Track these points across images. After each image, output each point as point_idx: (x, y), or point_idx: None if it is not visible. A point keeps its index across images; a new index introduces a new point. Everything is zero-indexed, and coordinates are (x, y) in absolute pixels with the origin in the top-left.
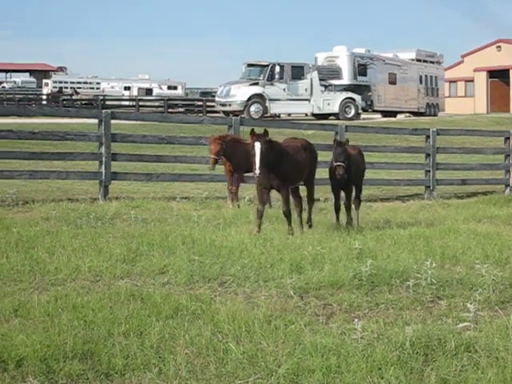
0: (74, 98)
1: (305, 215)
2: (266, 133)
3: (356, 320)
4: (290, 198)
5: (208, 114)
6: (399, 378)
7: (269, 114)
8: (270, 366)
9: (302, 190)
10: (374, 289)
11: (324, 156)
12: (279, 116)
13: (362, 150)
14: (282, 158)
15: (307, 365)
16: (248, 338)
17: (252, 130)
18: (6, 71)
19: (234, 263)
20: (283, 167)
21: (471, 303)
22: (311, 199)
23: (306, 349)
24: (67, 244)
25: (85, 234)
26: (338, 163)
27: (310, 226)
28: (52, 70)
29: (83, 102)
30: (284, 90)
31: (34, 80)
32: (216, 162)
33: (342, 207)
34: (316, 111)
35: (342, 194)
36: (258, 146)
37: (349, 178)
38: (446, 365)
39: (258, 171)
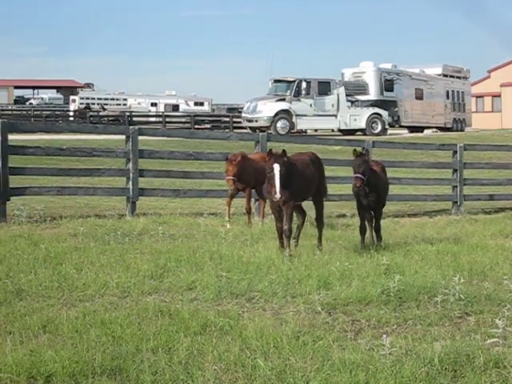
0: (101, 114)
1: (303, 230)
2: (284, 153)
3: (384, 336)
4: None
5: (234, 130)
6: None
7: (295, 130)
8: (299, 382)
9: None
10: (401, 304)
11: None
12: (306, 132)
13: (389, 166)
14: (292, 174)
15: (336, 381)
16: (276, 353)
17: (270, 150)
18: (34, 87)
19: (262, 279)
20: (293, 183)
21: (500, 319)
22: (320, 220)
23: (335, 365)
24: (95, 260)
25: (112, 250)
26: (357, 175)
27: (320, 250)
28: (79, 87)
29: (110, 119)
30: (310, 105)
31: (61, 96)
32: (234, 182)
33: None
34: (343, 127)
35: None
36: (277, 168)
37: (375, 195)
38: (474, 381)
39: (278, 195)
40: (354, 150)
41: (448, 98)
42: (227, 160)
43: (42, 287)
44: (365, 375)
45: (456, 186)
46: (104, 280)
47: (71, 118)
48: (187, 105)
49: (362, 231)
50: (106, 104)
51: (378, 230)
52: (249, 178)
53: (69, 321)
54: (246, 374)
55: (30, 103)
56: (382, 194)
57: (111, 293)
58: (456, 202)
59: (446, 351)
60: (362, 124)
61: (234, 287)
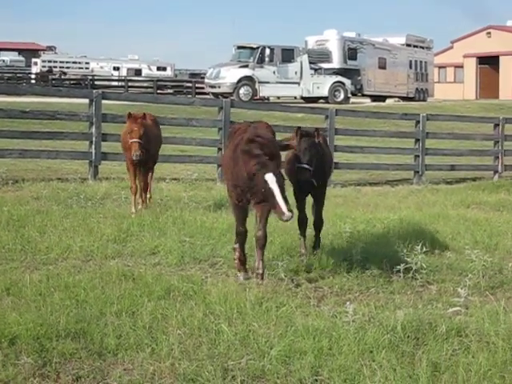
0: (62, 77)
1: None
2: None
3: (347, 303)
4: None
5: (197, 96)
6: (391, 361)
7: (258, 97)
8: (262, 348)
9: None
10: (364, 272)
11: None
12: (268, 99)
13: (352, 134)
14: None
15: (299, 347)
16: (240, 319)
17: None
18: None
19: (225, 245)
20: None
21: (462, 288)
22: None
23: (298, 331)
24: (58, 223)
25: (75, 213)
26: (302, 165)
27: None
28: (41, 50)
29: (71, 82)
30: (274, 72)
31: (23, 59)
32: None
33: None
34: (305, 94)
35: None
36: (271, 180)
37: (321, 179)
38: (436, 349)
39: (288, 213)
40: (298, 128)
41: (411, 67)
42: (130, 117)
43: (5, 250)
44: (328, 341)
45: (418, 156)
46: (67, 243)
47: (33, 81)
48: (150, 69)
49: (303, 223)
50: (69, 67)
51: (319, 225)
52: (156, 149)
53: (32, 284)
54: (210, 339)
55: None
56: (328, 175)
57: (74, 256)
58: (418, 172)
59: (408, 319)
60: (325, 92)
61: (197, 252)
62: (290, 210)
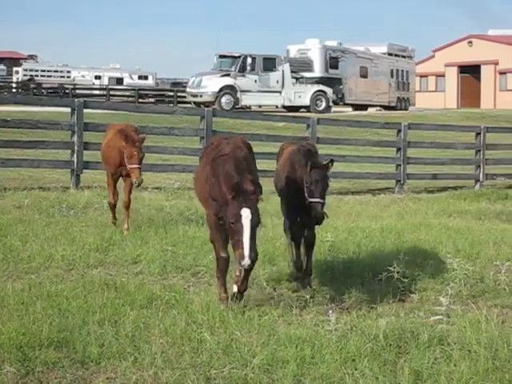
0: (32, 85)
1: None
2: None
3: (330, 312)
4: None
5: (179, 105)
6: (373, 369)
7: (240, 106)
8: (245, 357)
9: None
10: (346, 281)
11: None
12: (250, 107)
13: (334, 143)
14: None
15: (281, 355)
16: (222, 328)
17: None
18: None
19: (207, 254)
20: None
21: (444, 297)
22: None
23: (281, 339)
24: (40, 232)
25: (57, 222)
26: (318, 200)
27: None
28: (23, 58)
29: (49, 91)
30: (255, 81)
31: (5, 68)
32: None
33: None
34: (287, 103)
35: None
36: (247, 215)
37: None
38: (419, 357)
39: (248, 260)
40: (308, 161)
41: (392, 76)
42: (125, 137)
43: None
44: (311, 350)
45: (400, 165)
46: (49, 252)
47: (14, 90)
48: (131, 78)
49: (298, 236)
50: (50, 76)
51: (311, 241)
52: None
53: (14, 293)
54: (193, 348)
55: None
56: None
57: (57, 265)
58: (399, 181)
59: (390, 328)
60: (307, 101)
61: (179, 261)
62: (251, 259)
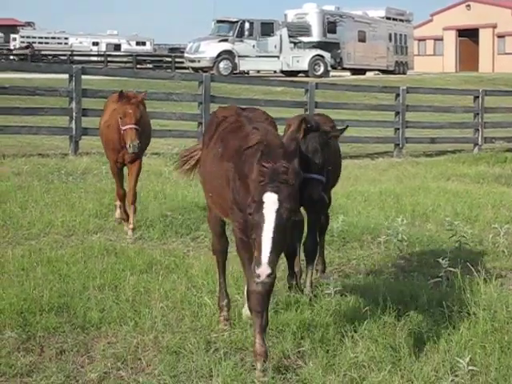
0: (29, 52)
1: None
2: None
3: (329, 275)
4: None
5: (177, 70)
6: (372, 331)
7: (238, 71)
8: (245, 320)
9: None
10: (345, 245)
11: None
12: (248, 73)
13: (332, 108)
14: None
15: (282, 318)
16: None
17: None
18: None
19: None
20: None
21: (442, 259)
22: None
23: (280, 303)
24: (39, 199)
25: (56, 188)
26: (313, 175)
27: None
28: (20, 25)
29: (49, 57)
30: (253, 46)
31: (2, 35)
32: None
33: None
34: (285, 68)
35: None
36: (272, 207)
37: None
38: (418, 319)
39: (266, 269)
40: (303, 119)
41: (390, 40)
42: (121, 96)
43: None
44: (310, 313)
45: (398, 129)
46: (49, 219)
47: (12, 57)
48: (129, 44)
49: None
50: (47, 43)
51: (312, 250)
52: (147, 138)
53: (15, 259)
54: (193, 312)
55: None
56: (336, 182)
57: (56, 231)
58: (398, 145)
59: (389, 290)
60: (305, 65)
61: (178, 226)
62: (270, 271)
